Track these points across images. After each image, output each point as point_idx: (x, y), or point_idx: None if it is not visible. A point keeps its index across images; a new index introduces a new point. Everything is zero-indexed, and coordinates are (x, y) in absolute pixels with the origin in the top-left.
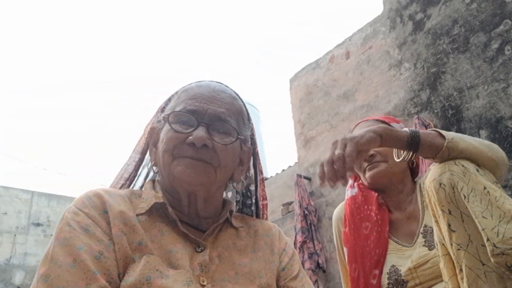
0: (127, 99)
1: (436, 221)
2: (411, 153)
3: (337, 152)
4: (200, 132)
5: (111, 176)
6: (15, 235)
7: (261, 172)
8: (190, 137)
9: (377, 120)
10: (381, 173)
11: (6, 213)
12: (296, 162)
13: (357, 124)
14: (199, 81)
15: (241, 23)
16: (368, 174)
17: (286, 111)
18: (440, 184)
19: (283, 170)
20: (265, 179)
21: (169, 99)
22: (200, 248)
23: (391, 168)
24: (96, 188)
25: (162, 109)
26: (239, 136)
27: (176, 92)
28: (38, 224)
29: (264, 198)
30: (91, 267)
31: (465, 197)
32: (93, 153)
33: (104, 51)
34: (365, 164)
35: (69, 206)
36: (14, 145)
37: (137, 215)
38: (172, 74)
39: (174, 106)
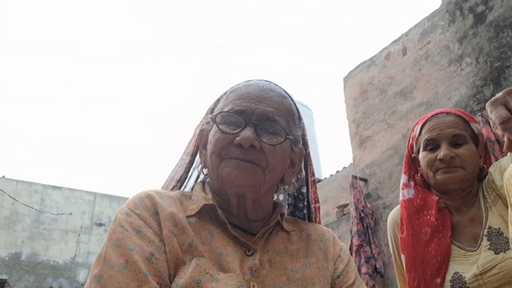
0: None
1: None
2: None
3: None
4: (248, 132)
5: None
6: (79, 234)
7: (313, 174)
8: (237, 138)
9: (448, 113)
10: (457, 179)
11: (71, 214)
12: (351, 163)
13: (426, 120)
14: (248, 81)
15: (291, 21)
16: (440, 176)
17: (340, 110)
18: None
19: (338, 171)
20: (319, 181)
21: (218, 100)
22: (250, 252)
23: (467, 175)
24: (148, 190)
25: (211, 110)
26: (288, 136)
27: (225, 93)
28: (100, 224)
29: (316, 201)
30: (143, 269)
31: None
32: (152, 156)
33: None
34: (441, 165)
35: (121, 207)
36: (80, 151)
37: (187, 216)
38: (221, 77)
39: (223, 106)
